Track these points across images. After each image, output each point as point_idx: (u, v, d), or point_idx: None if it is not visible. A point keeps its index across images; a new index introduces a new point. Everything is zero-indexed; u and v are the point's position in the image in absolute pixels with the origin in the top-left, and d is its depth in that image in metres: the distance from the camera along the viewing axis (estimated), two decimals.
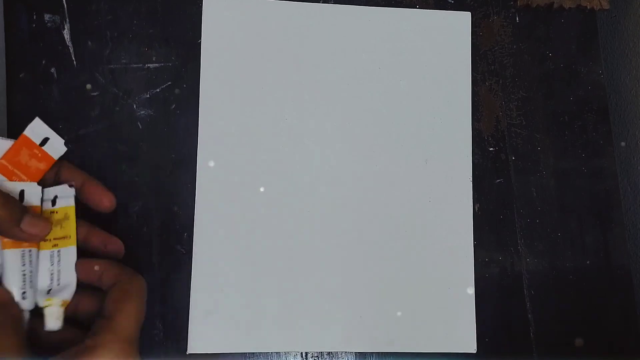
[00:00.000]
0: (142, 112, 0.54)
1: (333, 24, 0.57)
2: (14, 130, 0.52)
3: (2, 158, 0.40)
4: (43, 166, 0.41)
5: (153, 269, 0.52)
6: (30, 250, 0.39)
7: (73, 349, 0.33)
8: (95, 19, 0.54)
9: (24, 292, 0.38)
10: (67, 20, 0.54)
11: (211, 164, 0.53)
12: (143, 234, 0.52)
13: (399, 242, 0.54)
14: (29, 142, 0.41)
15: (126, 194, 0.52)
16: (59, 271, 0.40)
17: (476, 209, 0.56)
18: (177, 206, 0.53)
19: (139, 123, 0.53)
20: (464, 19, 0.59)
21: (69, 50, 0.54)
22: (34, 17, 0.54)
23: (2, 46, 0.53)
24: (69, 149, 0.52)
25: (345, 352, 0.52)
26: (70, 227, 0.41)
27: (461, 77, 0.58)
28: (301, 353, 0.52)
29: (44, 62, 0.53)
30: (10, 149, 0.41)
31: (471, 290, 0.54)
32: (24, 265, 0.38)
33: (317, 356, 0.52)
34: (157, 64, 0.54)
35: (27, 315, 0.38)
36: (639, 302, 0.56)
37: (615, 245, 0.57)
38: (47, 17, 0.54)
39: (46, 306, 0.38)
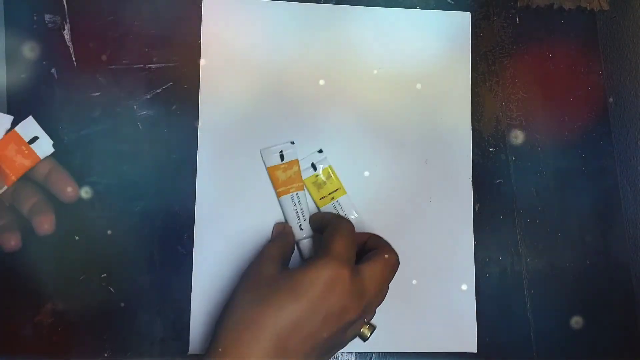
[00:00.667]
0: (143, 112, 0.54)
1: (333, 24, 0.57)
2: None
3: None
4: (28, 163, 0.42)
5: (153, 269, 0.52)
6: (297, 194, 0.52)
7: (304, 264, 0.41)
8: (95, 19, 0.54)
9: (300, 224, 0.51)
10: (68, 20, 0.54)
11: (211, 164, 0.53)
12: (144, 235, 0.52)
13: (399, 241, 0.54)
14: (18, 138, 0.42)
15: (127, 195, 0.52)
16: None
17: (476, 209, 0.56)
18: (178, 206, 0.53)
19: (139, 123, 0.53)
20: (464, 19, 0.59)
21: (70, 50, 0.54)
22: (34, 17, 0.54)
23: (2, 46, 0.53)
24: (69, 149, 0.52)
25: (346, 352, 0.52)
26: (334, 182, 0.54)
27: (461, 77, 0.58)
28: None
29: (44, 62, 0.53)
30: None
31: (467, 287, 0.54)
32: (294, 205, 0.51)
33: None
34: (157, 65, 0.55)
35: (309, 242, 0.52)
36: (639, 302, 0.56)
37: (615, 245, 0.57)
38: (47, 17, 0.54)
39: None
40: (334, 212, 0.53)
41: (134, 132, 0.53)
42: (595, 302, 0.56)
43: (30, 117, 0.42)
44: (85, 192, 0.52)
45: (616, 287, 0.56)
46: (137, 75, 0.54)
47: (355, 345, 0.52)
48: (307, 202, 0.52)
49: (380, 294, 0.44)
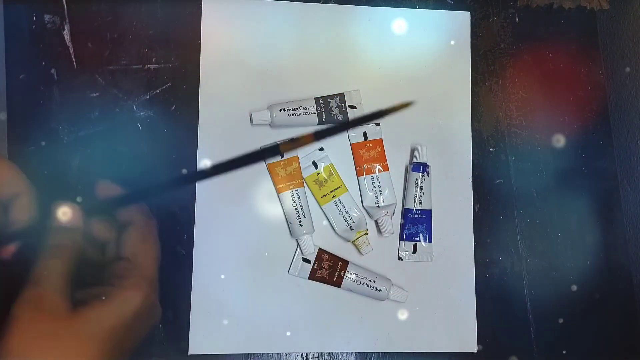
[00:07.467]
0: (142, 113, 0.54)
1: (333, 23, 0.57)
2: (14, 131, 0.52)
3: None
4: None
5: None
6: (296, 190, 0.52)
7: (103, 290, 0.32)
8: (95, 20, 0.54)
9: (299, 221, 0.51)
10: (67, 21, 0.54)
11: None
12: None
13: (399, 241, 0.54)
14: None
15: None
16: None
17: (476, 209, 0.56)
18: (177, 207, 0.53)
19: (139, 124, 0.53)
20: (463, 19, 0.59)
21: (69, 51, 0.54)
22: (34, 18, 0.53)
23: (2, 47, 0.53)
24: (69, 150, 0.52)
25: (346, 352, 0.52)
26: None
27: (461, 77, 0.58)
28: (302, 354, 0.52)
29: (44, 63, 0.53)
30: None
31: (472, 290, 0.54)
32: (294, 202, 0.51)
33: (318, 357, 0.52)
34: (157, 65, 0.54)
35: (309, 239, 0.51)
36: (639, 302, 0.56)
37: (615, 245, 0.57)
38: (47, 18, 0.54)
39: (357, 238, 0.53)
40: (336, 210, 0.53)
41: (133, 132, 0.53)
42: (595, 302, 0.56)
43: None
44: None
45: (616, 287, 0.56)
46: (137, 76, 0.54)
47: (355, 345, 0.52)
48: (306, 199, 0.52)
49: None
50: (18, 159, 0.52)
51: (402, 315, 0.53)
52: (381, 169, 0.54)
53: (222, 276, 0.52)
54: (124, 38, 0.54)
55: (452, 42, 0.58)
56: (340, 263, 0.52)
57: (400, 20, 0.58)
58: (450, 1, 0.59)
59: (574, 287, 0.56)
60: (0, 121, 0.52)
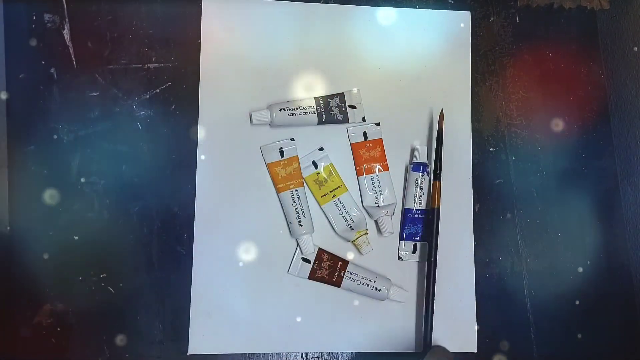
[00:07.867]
0: (142, 112, 0.54)
1: (333, 24, 0.57)
2: (14, 130, 0.52)
3: None
4: None
5: (153, 269, 0.52)
6: (296, 190, 0.52)
7: None
8: (95, 19, 0.54)
9: (299, 221, 0.51)
10: (67, 20, 0.54)
11: (211, 163, 0.53)
12: (143, 235, 0.52)
13: (399, 241, 0.54)
14: None
15: (126, 195, 0.52)
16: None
17: (476, 209, 0.56)
18: (177, 207, 0.53)
19: (138, 123, 0.53)
20: (464, 18, 0.59)
21: (69, 50, 0.54)
22: (34, 17, 0.53)
23: (2, 47, 0.53)
24: (69, 149, 0.52)
25: (346, 352, 0.52)
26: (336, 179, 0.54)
27: (461, 77, 0.58)
28: (301, 354, 0.52)
29: (44, 62, 0.53)
30: None
31: (472, 290, 0.54)
32: (294, 201, 0.51)
33: (318, 357, 0.52)
34: (156, 65, 0.54)
35: (309, 238, 0.51)
36: (639, 302, 0.56)
37: (615, 245, 0.57)
38: (47, 17, 0.54)
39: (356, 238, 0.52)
40: (336, 210, 0.53)
41: (133, 132, 0.53)
42: (596, 302, 0.56)
43: None
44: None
45: (616, 287, 0.56)
46: (136, 75, 0.54)
47: (355, 345, 0.52)
48: (306, 199, 0.52)
49: None
50: (18, 159, 0.52)
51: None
52: (381, 168, 0.54)
53: (222, 276, 0.52)
54: (124, 37, 0.54)
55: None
56: (340, 263, 0.52)
57: (400, 20, 0.58)
58: (450, 1, 0.59)
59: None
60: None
